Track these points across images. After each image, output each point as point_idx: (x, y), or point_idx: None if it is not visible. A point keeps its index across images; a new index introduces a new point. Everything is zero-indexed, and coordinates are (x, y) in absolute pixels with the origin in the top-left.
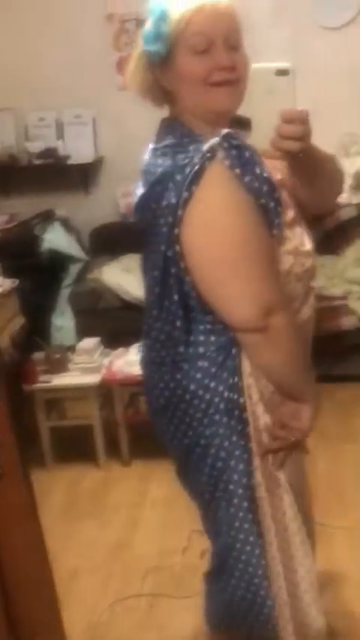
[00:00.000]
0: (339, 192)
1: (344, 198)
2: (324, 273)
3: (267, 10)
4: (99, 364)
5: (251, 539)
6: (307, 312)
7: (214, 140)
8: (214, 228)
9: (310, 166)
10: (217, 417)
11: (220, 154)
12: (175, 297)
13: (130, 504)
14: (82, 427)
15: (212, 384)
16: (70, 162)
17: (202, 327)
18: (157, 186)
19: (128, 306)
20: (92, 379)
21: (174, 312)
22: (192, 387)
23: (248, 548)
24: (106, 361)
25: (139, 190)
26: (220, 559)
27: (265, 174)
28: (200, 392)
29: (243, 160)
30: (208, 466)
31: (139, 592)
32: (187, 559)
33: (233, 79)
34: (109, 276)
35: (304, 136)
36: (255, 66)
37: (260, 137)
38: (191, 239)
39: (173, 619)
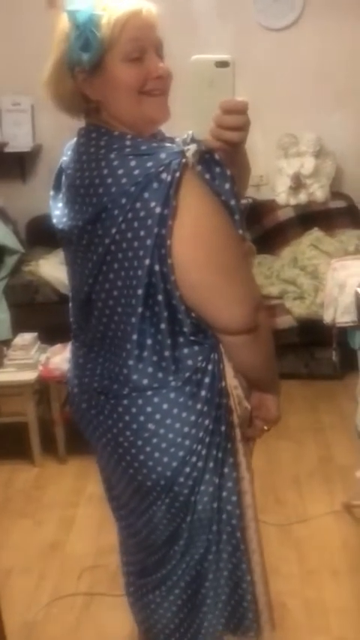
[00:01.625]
0: (243, 194)
1: (282, 198)
2: (261, 272)
3: (210, 8)
4: (35, 360)
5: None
6: None
7: (192, 146)
8: (203, 234)
9: (237, 161)
10: (206, 439)
11: (193, 160)
12: (165, 313)
13: (66, 503)
14: (17, 424)
15: (203, 408)
16: (7, 150)
17: (186, 340)
18: (122, 197)
19: (66, 301)
20: (28, 376)
21: (162, 331)
22: (183, 414)
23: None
24: (42, 357)
25: (77, 205)
26: (174, 573)
27: (228, 174)
28: (192, 417)
29: (212, 163)
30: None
31: (74, 591)
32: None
33: (164, 88)
34: (47, 269)
35: (244, 126)
36: (195, 57)
37: (200, 128)
38: (182, 249)
39: (109, 617)
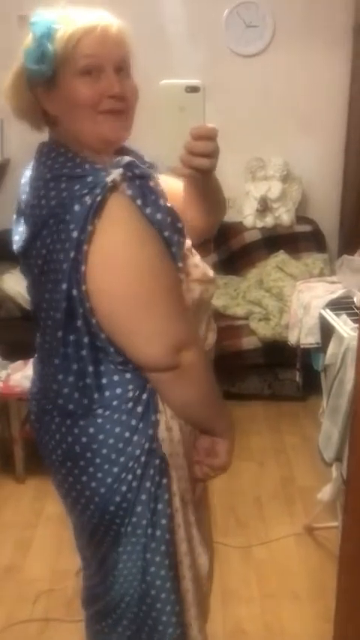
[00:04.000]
0: (222, 219)
1: (249, 221)
2: (227, 293)
3: (181, 31)
4: None
5: (168, 585)
6: (212, 336)
7: (117, 170)
8: (119, 263)
9: (210, 187)
10: (137, 470)
11: (123, 185)
12: (85, 339)
13: (23, 524)
14: None
15: (134, 437)
16: None
17: (113, 367)
18: (50, 219)
19: (29, 317)
20: None
21: (83, 357)
22: (111, 440)
23: (163, 595)
24: (3, 374)
25: (23, 227)
26: (115, 601)
27: (168, 205)
28: (120, 445)
29: (146, 190)
30: (118, 518)
31: (29, 617)
32: (81, 581)
33: (123, 108)
34: (10, 284)
35: (214, 153)
36: (165, 82)
37: (170, 154)
38: (96, 276)
39: None
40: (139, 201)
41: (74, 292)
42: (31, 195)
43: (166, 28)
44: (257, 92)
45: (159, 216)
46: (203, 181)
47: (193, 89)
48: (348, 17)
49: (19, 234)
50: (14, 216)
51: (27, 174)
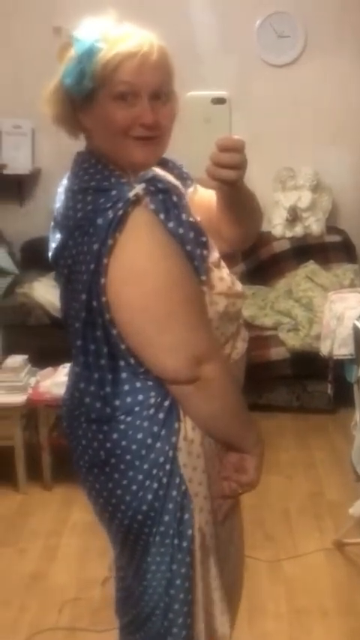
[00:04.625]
0: (258, 230)
1: (279, 231)
2: (255, 303)
3: (213, 42)
4: (25, 383)
5: (185, 596)
6: (241, 345)
7: (140, 185)
8: (139, 276)
9: (240, 199)
10: (162, 478)
11: (145, 199)
12: (105, 349)
13: (49, 531)
14: (3, 448)
15: (156, 443)
16: (5, 172)
17: (134, 375)
18: (76, 230)
19: (58, 324)
20: (17, 399)
21: (103, 367)
22: (133, 446)
23: (182, 607)
24: (32, 380)
25: (57, 235)
26: (145, 613)
27: (191, 219)
28: (143, 451)
29: (169, 204)
30: (147, 527)
31: (55, 625)
32: (106, 590)
33: (154, 136)
34: (40, 291)
35: (241, 165)
36: (191, 94)
37: (196, 166)
38: (116, 288)
39: None
40: (161, 215)
41: (94, 303)
42: (63, 204)
43: (197, 39)
44: (288, 102)
45: (181, 230)
46: (231, 193)
47: (219, 101)
48: None
49: (55, 242)
50: (52, 224)
51: (63, 182)
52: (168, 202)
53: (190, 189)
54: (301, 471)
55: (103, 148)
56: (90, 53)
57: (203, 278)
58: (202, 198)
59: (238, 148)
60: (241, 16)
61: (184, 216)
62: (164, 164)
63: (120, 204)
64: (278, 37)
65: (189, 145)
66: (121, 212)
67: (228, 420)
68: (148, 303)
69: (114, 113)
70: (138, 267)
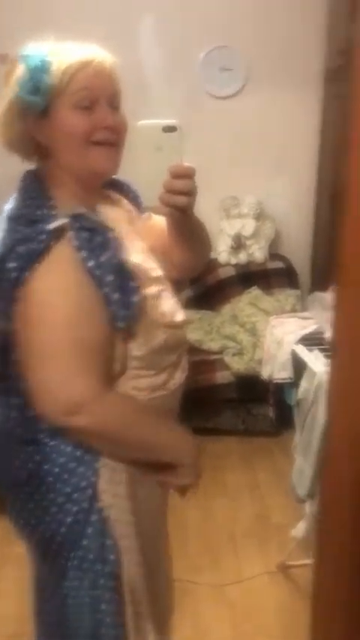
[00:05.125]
0: (206, 258)
1: (224, 258)
2: (202, 327)
3: (158, 72)
4: None
5: (112, 620)
6: (179, 376)
7: (64, 220)
8: (41, 308)
9: (190, 226)
10: (83, 503)
11: (69, 234)
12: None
13: None
14: None
15: (79, 468)
16: None
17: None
18: (2, 255)
19: None
20: None
21: (22, 391)
22: (56, 469)
23: (110, 631)
24: None
25: None
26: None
27: (114, 262)
28: (65, 475)
29: (92, 244)
30: (66, 551)
31: None
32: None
33: (115, 140)
34: None
35: (192, 191)
36: (142, 122)
37: (148, 193)
38: (19, 317)
39: None
40: (83, 253)
41: (8, 329)
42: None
43: (143, 69)
44: (232, 133)
45: (98, 272)
46: (183, 219)
47: (170, 129)
48: (319, 63)
49: None
50: None
51: (7, 205)
52: (92, 242)
53: (145, 214)
54: (247, 494)
55: (65, 161)
56: (42, 67)
57: (120, 325)
58: (155, 224)
59: (189, 175)
60: (185, 48)
61: (104, 258)
62: (119, 187)
63: (43, 236)
64: (221, 69)
65: (141, 172)
66: (42, 245)
67: (134, 452)
68: (39, 336)
69: (74, 121)
70: (42, 299)
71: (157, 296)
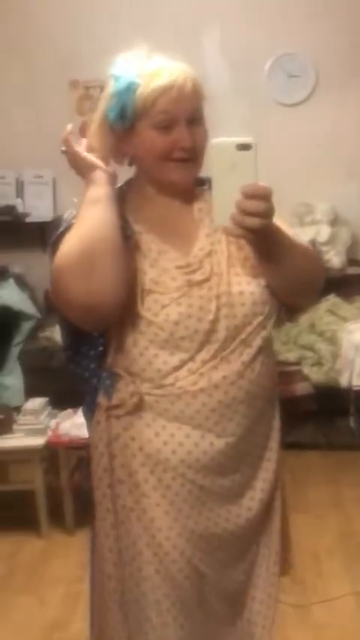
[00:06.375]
0: (313, 283)
1: None
2: (279, 338)
3: (226, 85)
4: (45, 426)
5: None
6: (215, 374)
7: None
8: None
9: (272, 248)
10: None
11: None
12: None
13: (72, 578)
14: (24, 492)
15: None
16: (28, 220)
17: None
18: None
19: None
20: (37, 441)
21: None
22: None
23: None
24: (52, 423)
25: None
26: None
27: None
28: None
29: None
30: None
31: None
32: None
33: (191, 157)
34: None
35: (267, 213)
36: (216, 141)
37: (222, 213)
38: None
39: None
40: None
41: None
42: None
43: (208, 83)
44: (302, 139)
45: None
46: (260, 242)
47: (245, 147)
48: None
49: None
50: None
51: None
52: None
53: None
54: (331, 510)
55: (145, 171)
56: (129, 89)
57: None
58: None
59: (264, 196)
60: (250, 58)
61: None
62: (203, 182)
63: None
64: (289, 77)
65: (214, 192)
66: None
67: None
68: None
69: (155, 140)
70: None
71: (148, 291)
